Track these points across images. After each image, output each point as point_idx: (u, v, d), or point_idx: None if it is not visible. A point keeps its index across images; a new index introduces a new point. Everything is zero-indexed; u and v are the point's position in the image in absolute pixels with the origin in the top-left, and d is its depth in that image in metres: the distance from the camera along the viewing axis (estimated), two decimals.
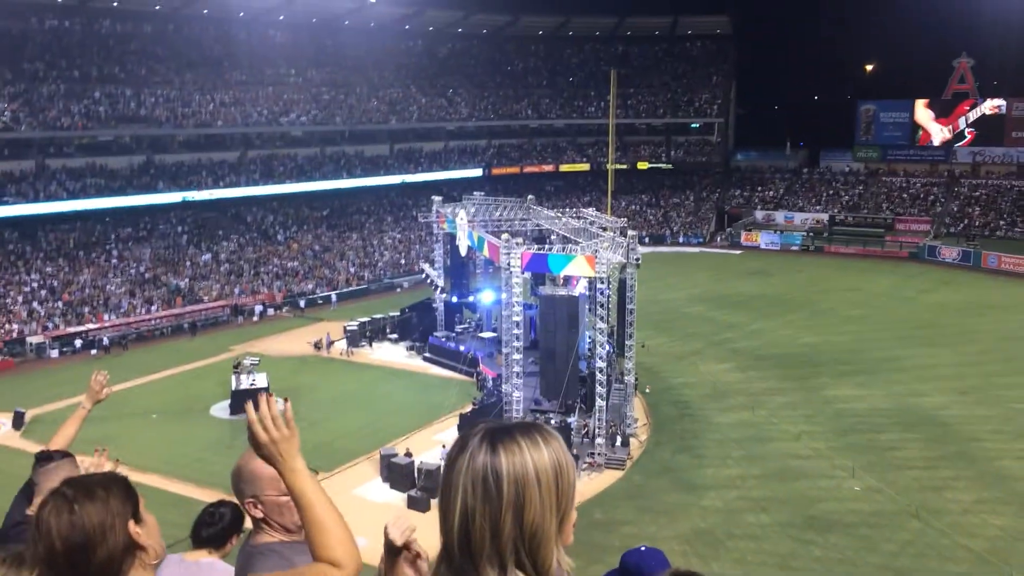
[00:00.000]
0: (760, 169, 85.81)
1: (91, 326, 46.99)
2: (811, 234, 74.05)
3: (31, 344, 44.86)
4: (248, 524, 4.34)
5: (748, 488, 28.27)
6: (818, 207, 78.50)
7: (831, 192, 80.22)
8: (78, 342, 45.55)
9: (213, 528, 4.30)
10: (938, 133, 77.99)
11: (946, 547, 23.89)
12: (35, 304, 47.75)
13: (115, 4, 62.76)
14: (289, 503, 2.73)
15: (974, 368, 39.25)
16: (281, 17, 71.99)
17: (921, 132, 78.69)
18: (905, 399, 35.57)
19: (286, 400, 2.36)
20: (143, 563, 2.17)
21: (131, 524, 2.14)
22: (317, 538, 2.24)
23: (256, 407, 2.27)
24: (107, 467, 3.73)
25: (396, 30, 79.85)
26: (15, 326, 45.59)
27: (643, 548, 3.54)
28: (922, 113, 78.42)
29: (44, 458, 4.06)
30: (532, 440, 1.82)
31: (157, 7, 65.46)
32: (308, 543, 2.28)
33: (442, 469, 1.86)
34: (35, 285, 49.28)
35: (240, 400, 35.41)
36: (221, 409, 36.02)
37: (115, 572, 2.13)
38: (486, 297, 44.76)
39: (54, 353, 44.84)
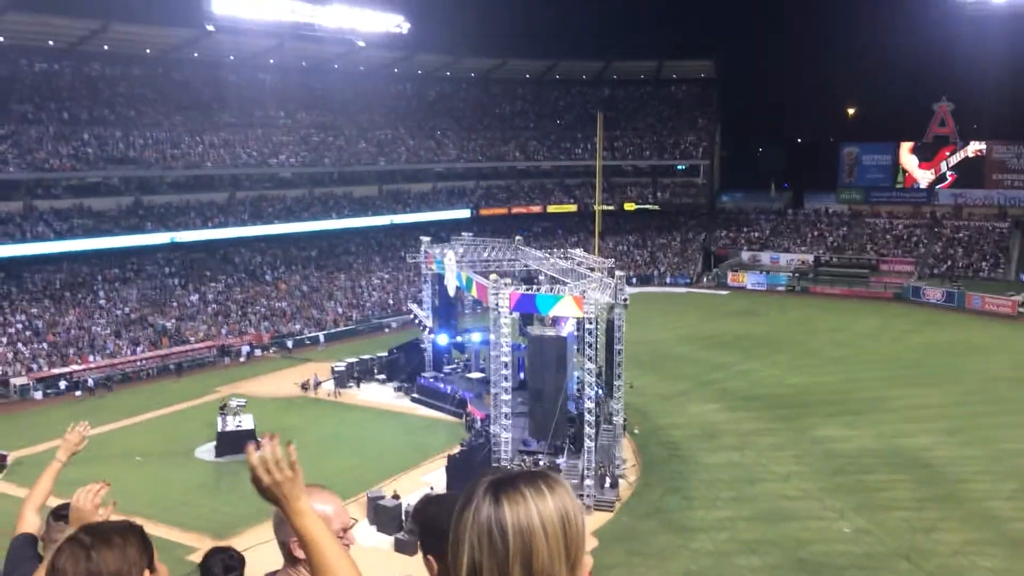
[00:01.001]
0: (745, 210, 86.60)
1: (76, 367, 46.60)
2: (797, 275, 74.56)
3: (15, 385, 44.41)
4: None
5: (738, 530, 28.11)
6: (803, 248, 79.15)
7: (816, 233, 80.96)
8: (62, 383, 45.13)
9: (231, 574, 4.25)
10: (923, 177, 79.09)
11: None
12: (19, 345, 47.36)
13: (106, 48, 63.21)
14: (348, 542, 2.75)
15: (961, 408, 39.38)
16: (271, 61, 72.67)
17: (906, 175, 79.70)
18: (893, 440, 35.59)
19: (289, 443, 2.33)
20: None
21: (146, 574, 2.14)
22: None
23: (258, 448, 2.25)
24: (102, 510, 3.56)
25: (385, 73, 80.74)
26: None
27: None
28: (907, 159, 79.54)
29: (62, 516, 3.92)
30: (537, 489, 1.81)
31: (147, 50, 65.98)
32: None
33: (453, 520, 1.85)
34: (20, 326, 48.92)
35: (226, 442, 35.13)
36: (207, 451, 35.66)
37: None
38: (441, 340, 45.01)
39: (38, 395, 44.38)
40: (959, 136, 77.91)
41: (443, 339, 45.46)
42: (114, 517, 2.36)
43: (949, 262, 72.66)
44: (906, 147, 79.74)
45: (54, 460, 4.56)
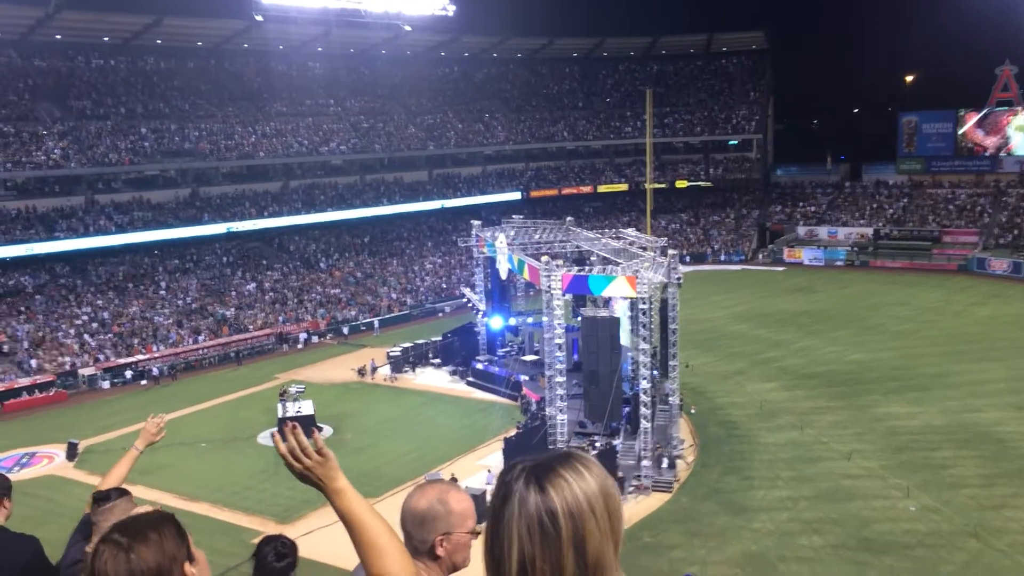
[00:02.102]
0: (801, 184, 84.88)
1: (140, 357, 47.85)
2: (856, 249, 72.96)
3: (83, 376, 45.78)
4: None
5: (799, 510, 27.73)
6: (862, 221, 77.33)
7: (875, 206, 79.02)
8: (128, 373, 46.38)
9: (284, 561, 4.34)
10: (992, 145, 76.54)
11: (1007, 567, 23.16)
12: (86, 336, 48.76)
13: (159, 42, 64.42)
14: (470, 541, 2.73)
15: None
16: (319, 49, 73.23)
17: (975, 147, 77.12)
18: (959, 415, 34.72)
19: (314, 430, 2.38)
20: None
21: (186, 566, 2.11)
22: (369, 556, 2.23)
23: (284, 439, 2.28)
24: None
25: (432, 57, 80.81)
26: (67, 359, 46.57)
27: (687, 574, 3.51)
28: (972, 132, 76.93)
29: (102, 498, 4.11)
30: (575, 471, 1.78)
31: (199, 43, 67.08)
32: (361, 562, 2.26)
33: (491, 517, 1.80)
34: (86, 318, 50.36)
35: None
36: (268, 437, 36.32)
37: None
38: (495, 323, 45.03)
39: (105, 384, 45.69)
40: (1023, 100, 75.16)
41: (497, 322, 45.54)
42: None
43: (1015, 232, 70.35)
44: (971, 121, 77.21)
45: (132, 448, 4.84)
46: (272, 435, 2.32)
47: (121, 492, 4.19)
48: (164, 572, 2.06)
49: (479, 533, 2.77)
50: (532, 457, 1.85)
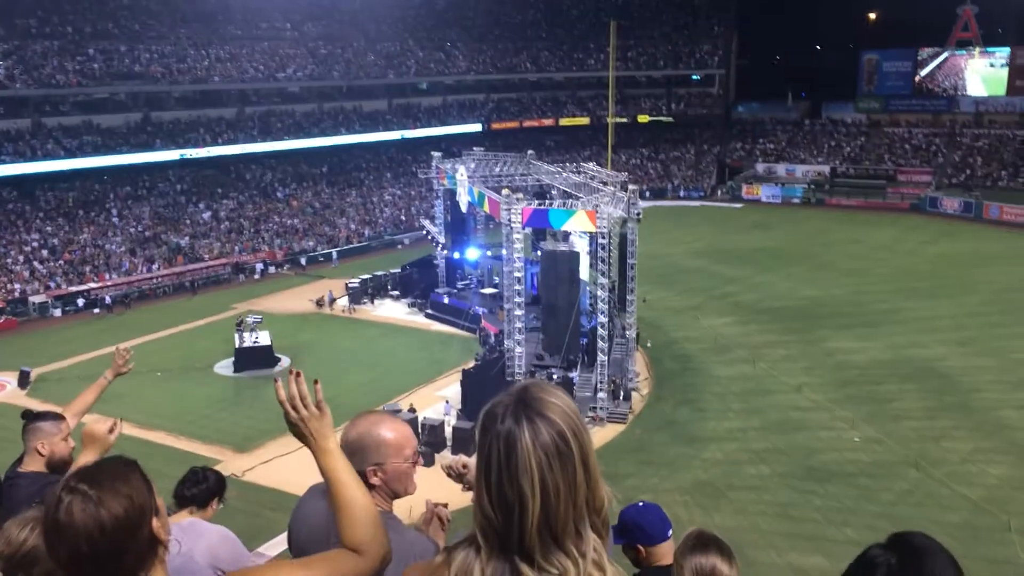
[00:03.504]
0: (761, 121, 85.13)
1: (93, 285, 47.05)
2: (812, 187, 73.73)
3: (34, 303, 44.97)
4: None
5: (749, 440, 28.53)
6: (820, 159, 78.04)
7: (833, 144, 79.68)
8: (80, 301, 45.66)
9: (196, 488, 4.43)
10: (949, 86, 77.28)
11: (944, 496, 24.18)
12: (36, 263, 47.74)
13: None
14: (410, 469, 2.72)
15: (975, 319, 39.36)
16: None
17: (932, 88, 77.79)
18: (905, 351, 35.73)
19: (316, 382, 2.35)
20: (160, 557, 2.07)
21: (154, 521, 2.02)
22: (344, 521, 2.23)
23: (286, 388, 2.27)
24: (109, 426, 3.63)
25: None
26: (17, 286, 45.64)
27: (641, 504, 3.59)
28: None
29: (27, 418, 4.10)
30: (552, 393, 1.82)
31: None
32: (336, 527, 2.26)
33: (496, 466, 1.76)
34: (35, 244, 49.22)
35: (244, 358, 35.71)
36: (225, 367, 36.23)
37: (140, 572, 2.01)
38: (471, 254, 45.00)
39: (57, 312, 44.97)
40: (983, 41, 75.73)
41: (472, 253, 45.35)
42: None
43: (968, 171, 71.61)
44: (927, 52, 77.66)
45: (101, 377, 4.90)
46: (274, 381, 2.30)
47: (52, 415, 4.17)
48: (133, 525, 1.96)
49: (418, 460, 2.82)
50: (501, 398, 1.84)
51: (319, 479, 2.42)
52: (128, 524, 1.94)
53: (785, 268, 50.33)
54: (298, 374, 2.31)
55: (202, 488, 4.52)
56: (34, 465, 3.98)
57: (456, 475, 2.83)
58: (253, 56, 65.85)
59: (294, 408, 2.27)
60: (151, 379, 34.45)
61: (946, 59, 77.55)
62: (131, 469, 2.05)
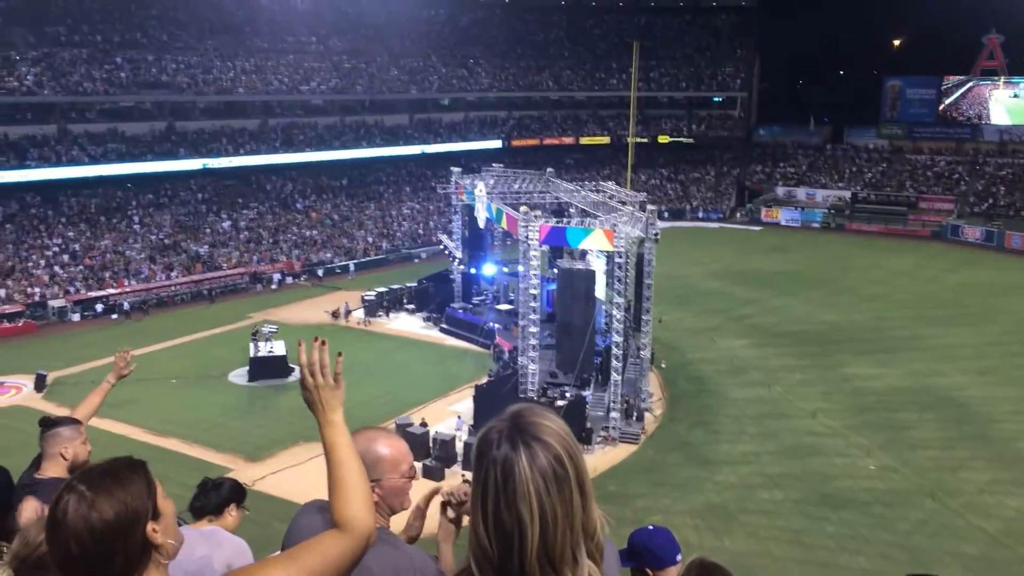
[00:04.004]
0: (782, 144, 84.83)
1: (112, 291, 47.40)
2: (832, 211, 73.35)
3: (53, 308, 45.32)
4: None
5: (763, 464, 28.27)
6: (840, 184, 77.62)
7: (854, 169, 79.28)
8: (99, 306, 45.98)
9: (205, 498, 4.42)
10: (973, 115, 76.86)
11: (960, 527, 23.83)
12: (57, 268, 48.17)
13: None
14: (407, 485, 2.69)
15: (995, 349, 38.92)
16: None
17: (956, 115, 77.38)
18: (924, 379, 35.36)
19: (339, 354, 2.37)
20: (156, 562, 2.07)
21: (149, 525, 2.03)
22: (336, 495, 2.23)
23: (308, 353, 2.31)
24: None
25: None
26: (37, 290, 46.05)
27: (651, 527, 3.55)
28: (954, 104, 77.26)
29: (46, 424, 4.13)
30: (545, 416, 1.80)
31: None
32: (330, 501, 2.26)
33: (494, 493, 1.74)
34: (56, 249, 49.70)
35: (258, 367, 35.81)
36: (239, 375, 36.33)
37: (132, 574, 2.02)
38: (487, 270, 45.08)
39: (75, 317, 45.30)
40: (1008, 70, 75.32)
41: (489, 268, 45.46)
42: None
43: (991, 200, 71.02)
44: (952, 81, 77.32)
45: (104, 382, 4.90)
46: (299, 343, 2.32)
47: (70, 420, 4.20)
48: (123, 528, 1.97)
49: (414, 476, 2.80)
50: (494, 424, 1.82)
51: (326, 493, 2.40)
52: (118, 527, 1.96)
53: (804, 292, 50.02)
54: (323, 342, 2.34)
55: (211, 497, 4.51)
56: (54, 471, 4.01)
57: (457, 503, 2.78)
58: (278, 68, 66.47)
59: (312, 374, 2.29)
60: (166, 386, 34.65)
61: (970, 88, 77.17)
62: (134, 472, 2.07)
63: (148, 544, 2.03)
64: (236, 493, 4.60)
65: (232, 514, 4.49)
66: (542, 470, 1.71)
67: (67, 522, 1.93)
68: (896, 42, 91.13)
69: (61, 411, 4.80)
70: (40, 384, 34.07)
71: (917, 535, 23.59)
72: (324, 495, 2.73)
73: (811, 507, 25.25)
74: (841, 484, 26.65)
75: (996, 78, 75.79)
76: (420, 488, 2.84)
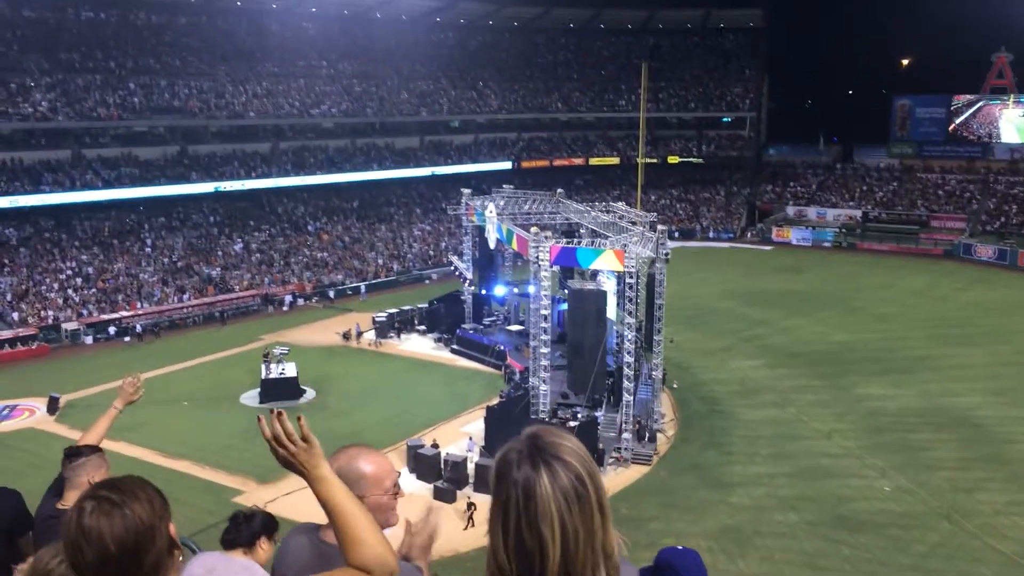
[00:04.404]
0: (792, 164, 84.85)
1: (124, 313, 47.63)
2: (844, 230, 73.17)
3: (66, 330, 45.55)
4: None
5: (777, 486, 28.04)
6: (851, 203, 77.49)
7: (864, 188, 79.15)
8: (112, 329, 46.19)
9: (236, 532, 4.34)
10: (984, 133, 76.77)
11: (977, 549, 23.54)
12: (70, 291, 48.46)
13: None
14: (390, 502, 2.71)
15: (1009, 368, 38.60)
16: (313, 9, 72.26)
17: (966, 134, 77.27)
18: (938, 399, 35.07)
19: (300, 417, 2.36)
20: (175, 561, 2.16)
21: (172, 525, 2.14)
22: (348, 544, 2.24)
23: (270, 426, 2.29)
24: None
25: (427, 22, 79.94)
26: (50, 312, 46.32)
27: (680, 547, 3.52)
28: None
29: (73, 453, 4.10)
30: (563, 436, 1.81)
31: None
32: (340, 549, 2.27)
33: (515, 513, 1.75)
34: (70, 272, 50.02)
35: (270, 388, 35.85)
36: (251, 397, 36.36)
37: (159, 574, 2.10)
38: (498, 291, 45.25)
39: (88, 339, 45.51)
40: (1018, 88, 75.24)
41: (500, 289, 45.65)
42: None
43: (1002, 219, 70.72)
44: (962, 101, 77.29)
45: (111, 408, 4.82)
46: (258, 419, 2.32)
47: (93, 449, 4.19)
48: (155, 530, 2.07)
49: (399, 492, 2.80)
50: (512, 445, 1.83)
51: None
52: (151, 525, 2.07)
53: (816, 312, 49.80)
54: (280, 413, 2.31)
55: (242, 531, 4.43)
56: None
57: (421, 533, 2.81)
58: (289, 92, 67.04)
59: (282, 445, 2.27)
60: (178, 408, 34.70)
61: (980, 107, 77.08)
62: (144, 482, 2.18)
63: (173, 542, 2.14)
64: (268, 526, 4.53)
65: (263, 547, 4.43)
66: (564, 490, 1.72)
67: (102, 526, 2.01)
68: (905, 61, 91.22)
69: (73, 434, 4.78)
70: (53, 407, 34.18)
71: (934, 558, 23.32)
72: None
73: (826, 529, 25.00)
74: (856, 506, 26.40)
75: (1006, 97, 75.68)
76: (410, 504, 2.83)
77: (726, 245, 73.51)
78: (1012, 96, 75.33)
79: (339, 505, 2.26)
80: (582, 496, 1.72)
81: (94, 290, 49.19)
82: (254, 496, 25.87)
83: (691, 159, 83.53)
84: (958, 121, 77.81)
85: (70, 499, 3.99)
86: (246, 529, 4.35)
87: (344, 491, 2.29)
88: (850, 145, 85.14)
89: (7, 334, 43.50)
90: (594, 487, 1.75)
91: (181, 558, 2.21)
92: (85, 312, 47.23)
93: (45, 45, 57.40)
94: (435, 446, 29.37)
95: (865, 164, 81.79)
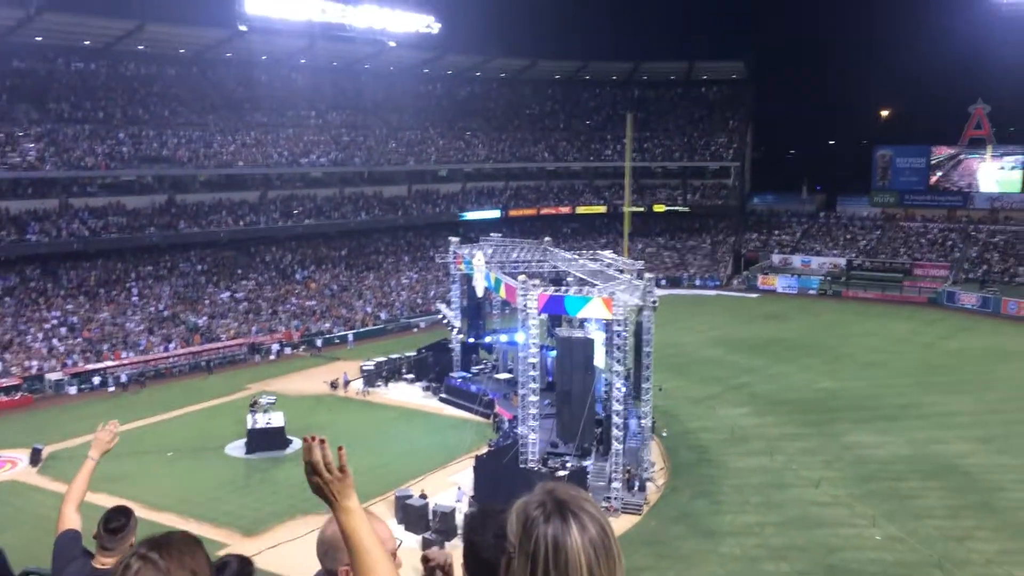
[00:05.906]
0: (777, 213, 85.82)
1: (109, 363, 47.21)
2: (829, 278, 73.75)
3: (50, 381, 45.08)
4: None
5: (767, 535, 27.85)
6: (835, 251, 78.27)
7: (848, 236, 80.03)
8: (96, 379, 45.76)
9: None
10: (964, 184, 78.06)
11: None
12: (55, 341, 48.06)
13: (141, 47, 64.04)
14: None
15: (996, 416, 38.73)
16: (302, 61, 73.20)
17: (946, 185, 78.58)
18: (926, 446, 35.08)
19: (340, 448, 2.41)
20: None
21: None
22: None
23: (311, 452, 2.34)
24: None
25: (415, 73, 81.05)
26: (34, 362, 45.85)
27: None
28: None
29: (117, 527, 4.04)
30: (579, 491, 1.88)
31: (181, 50, 66.80)
32: None
33: (543, 568, 1.79)
34: (55, 322, 49.66)
35: (256, 439, 35.49)
36: (236, 448, 35.97)
37: None
38: (487, 339, 45.45)
39: (72, 390, 45.03)
40: (996, 139, 76.65)
41: (489, 338, 45.82)
42: (144, 515, 2.33)
43: (985, 266, 71.50)
44: (941, 156, 78.69)
45: (87, 459, 4.67)
46: (304, 439, 2.36)
47: (128, 513, 4.15)
48: None
49: (394, 555, 2.81)
50: (532, 500, 1.87)
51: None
52: None
53: (802, 359, 49.95)
54: (322, 441, 2.36)
55: None
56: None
57: (438, 568, 2.79)
58: (278, 142, 67.51)
59: (318, 473, 2.32)
60: (162, 458, 34.29)
61: (960, 161, 78.43)
62: (198, 544, 2.22)
63: None
64: (243, 571, 4.47)
65: None
66: (592, 540, 1.79)
67: None
68: (884, 112, 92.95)
69: (56, 486, 4.68)
70: (35, 458, 33.70)
71: None
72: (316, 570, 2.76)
73: None
74: (847, 555, 26.23)
75: (983, 151, 77.05)
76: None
77: (713, 293, 73.89)
78: (990, 148, 76.70)
79: (362, 540, 2.28)
80: (608, 548, 1.80)
81: (79, 339, 48.81)
82: (239, 549, 25.47)
83: (677, 208, 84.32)
84: (939, 175, 79.11)
85: (106, 561, 3.92)
86: None
87: (367, 527, 2.32)
88: (833, 194, 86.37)
89: None
90: (614, 538, 1.83)
91: None
92: (70, 362, 46.79)
93: (35, 95, 57.80)
94: (423, 496, 29.07)
95: (848, 213, 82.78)
